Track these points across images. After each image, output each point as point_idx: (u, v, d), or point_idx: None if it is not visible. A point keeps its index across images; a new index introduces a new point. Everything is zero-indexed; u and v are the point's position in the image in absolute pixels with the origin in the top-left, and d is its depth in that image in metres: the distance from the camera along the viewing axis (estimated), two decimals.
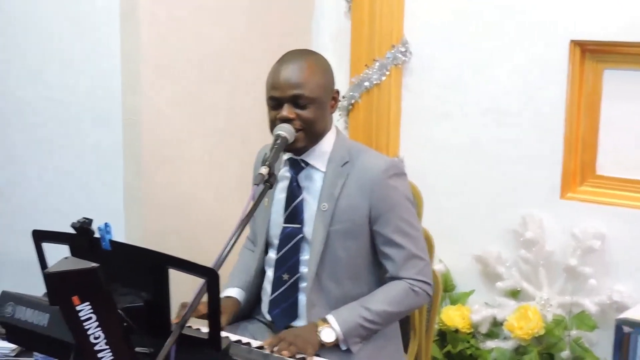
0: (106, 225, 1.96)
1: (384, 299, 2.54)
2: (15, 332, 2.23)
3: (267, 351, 2.29)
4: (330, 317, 2.48)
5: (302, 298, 2.61)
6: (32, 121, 3.70)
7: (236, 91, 3.63)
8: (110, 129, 3.37)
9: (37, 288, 2.10)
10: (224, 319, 2.58)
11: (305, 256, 2.60)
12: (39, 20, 3.59)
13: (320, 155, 2.60)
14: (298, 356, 2.31)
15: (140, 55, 3.26)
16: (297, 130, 2.49)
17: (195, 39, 3.44)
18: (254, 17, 3.73)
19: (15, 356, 2.99)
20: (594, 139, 3.51)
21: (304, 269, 2.60)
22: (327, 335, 2.45)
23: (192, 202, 3.50)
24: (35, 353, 2.86)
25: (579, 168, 3.55)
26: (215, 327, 1.89)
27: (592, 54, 3.44)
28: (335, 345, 2.48)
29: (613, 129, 3.46)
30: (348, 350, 2.49)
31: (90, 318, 1.78)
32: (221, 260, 2.00)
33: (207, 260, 2.02)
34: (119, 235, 3.22)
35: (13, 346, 2.97)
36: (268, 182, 2.30)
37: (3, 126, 3.82)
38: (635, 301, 3.33)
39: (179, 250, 3.19)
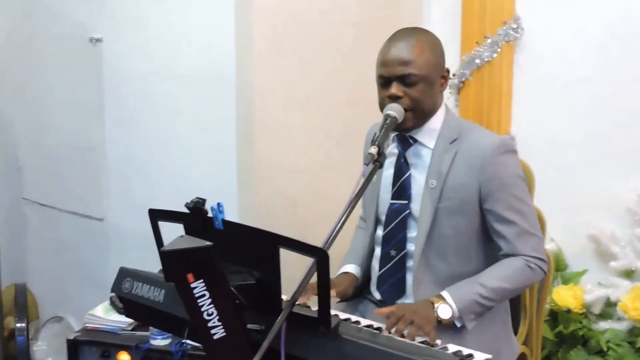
0: (219, 205, 2.00)
1: (500, 276, 2.51)
2: (133, 307, 2.31)
3: (384, 331, 2.28)
4: (445, 294, 2.45)
5: (409, 275, 2.61)
6: (146, 98, 3.80)
7: (347, 67, 3.64)
8: (224, 107, 3.44)
9: (154, 264, 2.16)
10: (343, 292, 2.62)
11: (412, 233, 2.60)
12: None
13: (429, 132, 2.59)
14: (417, 339, 2.26)
15: (253, 30, 3.30)
16: (406, 110, 2.48)
17: (307, 16, 3.47)
18: None
19: (131, 330, 3.11)
20: None
21: (410, 246, 2.60)
22: (444, 311, 2.41)
23: (302, 178, 3.55)
24: (151, 327, 2.97)
25: None
26: (325, 306, 1.91)
27: None
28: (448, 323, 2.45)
29: None
30: (462, 327, 2.46)
31: (204, 295, 1.84)
32: (331, 240, 2.02)
33: (317, 235, 2.05)
34: (232, 210, 3.31)
35: (130, 320, 3.09)
36: (377, 161, 2.30)
37: (119, 103, 3.94)
38: None
39: (289, 224, 3.26)
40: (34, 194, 4.58)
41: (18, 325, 3.80)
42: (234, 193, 3.43)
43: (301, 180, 3.56)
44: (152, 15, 3.72)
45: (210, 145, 3.58)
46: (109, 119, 4.03)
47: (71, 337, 3.15)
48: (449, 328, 2.44)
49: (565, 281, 3.70)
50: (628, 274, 3.55)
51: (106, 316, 3.15)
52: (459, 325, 2.45)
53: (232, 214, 3.35)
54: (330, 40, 3.59)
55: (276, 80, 3.40)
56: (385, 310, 2.35)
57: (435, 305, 2.42)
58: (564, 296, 3.59)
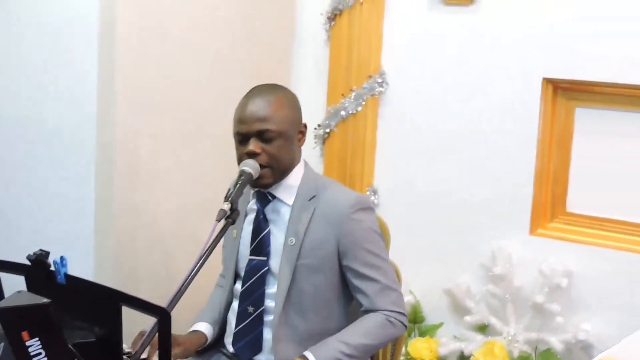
0: (62, 258, 1.96)
1: (361, 332, 2.52)
2: None
3: None
4: (308, 354, 2.45)
5: (267, 331, 2.60)
6: (8, 139, 3.70)
7: (215, 117, 3.62)
8: (84, 153, 3.37)
9: None
10: (182, 353, 2.56)
11: (270, 289, 2.60)
12: (17, 41, 3.60)
13: (288, 188, 2.60)
14: None
15: (116, 79, 3.26)
16: (263, 167, 2.48)
17: (172, 66, 3.44)
18: (234, 45, 3.74)
19: None
20: (565, 175, 3.53)
21: (268, 302, 2.60)
22: None
23: (164, 228, 3.51)
24: None
25: (550, 204, 3.57)
26: None
27: (564, 92, 3.48)
28: None
29: (584, 166, 3.49)
30: None
31: (39, 354, 1.78)
32: (176, 299, 2.00)
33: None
34: (88, 259, 3.25)
35: None
36: (230, 217, 2.31)
37: None
38: (600, 341, 3.34)
39: (150, 274, 3.21)
40: None
41: None
42: (91, 239, 3.36)
43: (167, 223, 3.52)
44: (11, 54, 3.63)
45: (69, 189, 3.50)
46: None
47: None
48: None
49: (422, 333, 3.75)
50: (481, 329, 3.63)
51: None
52: None
53: (88, 261, 3.31)
54: (199, 96, 3.58)
55: (141, 121, 3.36)
56: None
57: None
58: (419, 348, 3.64)
